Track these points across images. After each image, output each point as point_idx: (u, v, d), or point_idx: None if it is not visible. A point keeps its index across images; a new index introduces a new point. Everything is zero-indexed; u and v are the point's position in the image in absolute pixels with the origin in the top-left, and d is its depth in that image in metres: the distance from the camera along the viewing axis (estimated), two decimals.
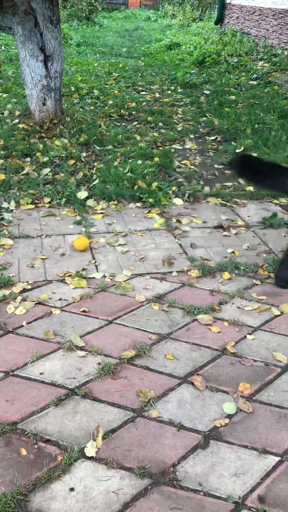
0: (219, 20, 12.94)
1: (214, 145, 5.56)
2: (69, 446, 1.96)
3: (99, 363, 2.39)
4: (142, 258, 3.33)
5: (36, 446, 1.96)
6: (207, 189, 4.41)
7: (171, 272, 3.18)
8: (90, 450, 1.94)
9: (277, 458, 1.97)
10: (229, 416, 2.15)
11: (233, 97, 7.15)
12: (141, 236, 3.63)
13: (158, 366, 2.40)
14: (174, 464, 1.92)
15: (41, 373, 2.32)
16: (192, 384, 2.30)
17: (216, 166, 4.98)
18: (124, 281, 3.06)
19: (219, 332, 2.66)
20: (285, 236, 3.74)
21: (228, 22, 12.63)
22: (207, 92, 7.55)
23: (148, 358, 2.45)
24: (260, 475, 1.89)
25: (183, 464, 1.92)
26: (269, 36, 10.60)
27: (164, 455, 1.95)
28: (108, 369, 2.34)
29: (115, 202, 4.11)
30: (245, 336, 2.64)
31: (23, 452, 1.93)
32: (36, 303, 2.82)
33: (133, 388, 2.26)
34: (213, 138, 5.76)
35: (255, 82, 8.11)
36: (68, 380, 2.28)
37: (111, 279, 3.08)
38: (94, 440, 1.98)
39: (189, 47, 11.20)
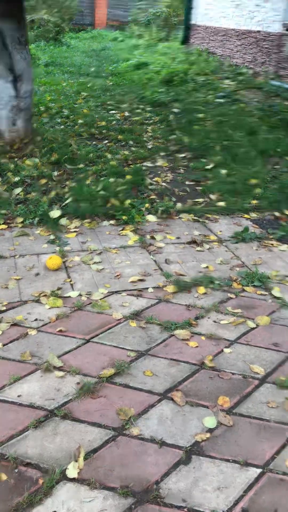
0: (185, 40, 13.26)
1: (184, 162, 5.66)
2: (50, 468, 1.93)
3: (78, 383, 2.38)
4: (118, 275, 3.34)
5: (16, 470, 1.92)
6: (179, 205, 4.48)
7: (147, 288, 3.20)
8: (71, 472, 1.92)
9: (259, 470, 1.98)
10: (210, 430, 2.16)
11: (201, 115, 7.30)
12: (116, 253, 3.64)
13: (137, 384, 2.40)
14: (157, 481, 1.91)
15: (19, 396, 2.28)
16: (172, 400, 2.31)
17: (187, 182, 5.06)
18: (101, 299, 3.06)
19: (197, 346, 2.68)
20: (256, 249, 3.81)
21: (193, 42, 12.95)
22: (175, 110, 7.69)
23: (127, 375, 2.44)
24: (243, 488, 1.90)
25: (166, 481, 1.92)
26: (233, 56, 10.91)
27: (147, 472, 1.94)
28: (87, 389, 2.32)
29: (89, 220, 4.12)
30: (222, 350, 2.67)
31: (3, 477, 1.89)
32: (11, 325, 2.78)
33: (113, 407, 2.24)
34: (183, 155, 5.85)
35: (222, 100, 8.31)
36: (47, 402, 2.26)
37: (87, 298, 3.07)
38: (76, 461, 1.96)
39: (157, 67, 11.41)
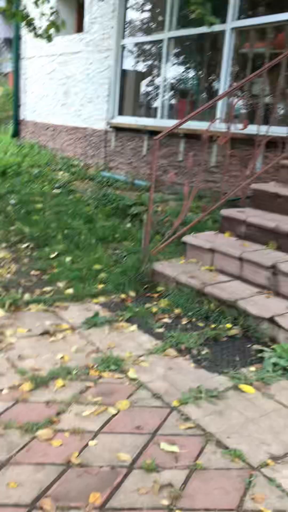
0: (16, 134, 13.68)
1: (28, 252, 5.67)
2: None
3: None
4: None
5: None
6: (27, 296, 4.42)
7: (1, 390, 3.02)
8: None
9: None
10: None
11: (39, 206, 7.47)
12: None
13: (2, 499, 2.20)
14: None
15: None
16: (42, 508, 2.16)
17: (33, 272, 5.05)
18: None
19: (61, 445, 2.58)
20: (108, 333, 3.91)
21: (24, 136, 13.43)
22: (12, 201, 7.75)
23: None
24: None
25: None
26: (64, 149, 11.58)
27: None
28: None
29: None
30: (87, 444, 2.61)
31: None
32: None
33: None
34: (25, 245, 5.87)
35: (58, 191, 8.65)
36: None
37: None
38: None
39: None
